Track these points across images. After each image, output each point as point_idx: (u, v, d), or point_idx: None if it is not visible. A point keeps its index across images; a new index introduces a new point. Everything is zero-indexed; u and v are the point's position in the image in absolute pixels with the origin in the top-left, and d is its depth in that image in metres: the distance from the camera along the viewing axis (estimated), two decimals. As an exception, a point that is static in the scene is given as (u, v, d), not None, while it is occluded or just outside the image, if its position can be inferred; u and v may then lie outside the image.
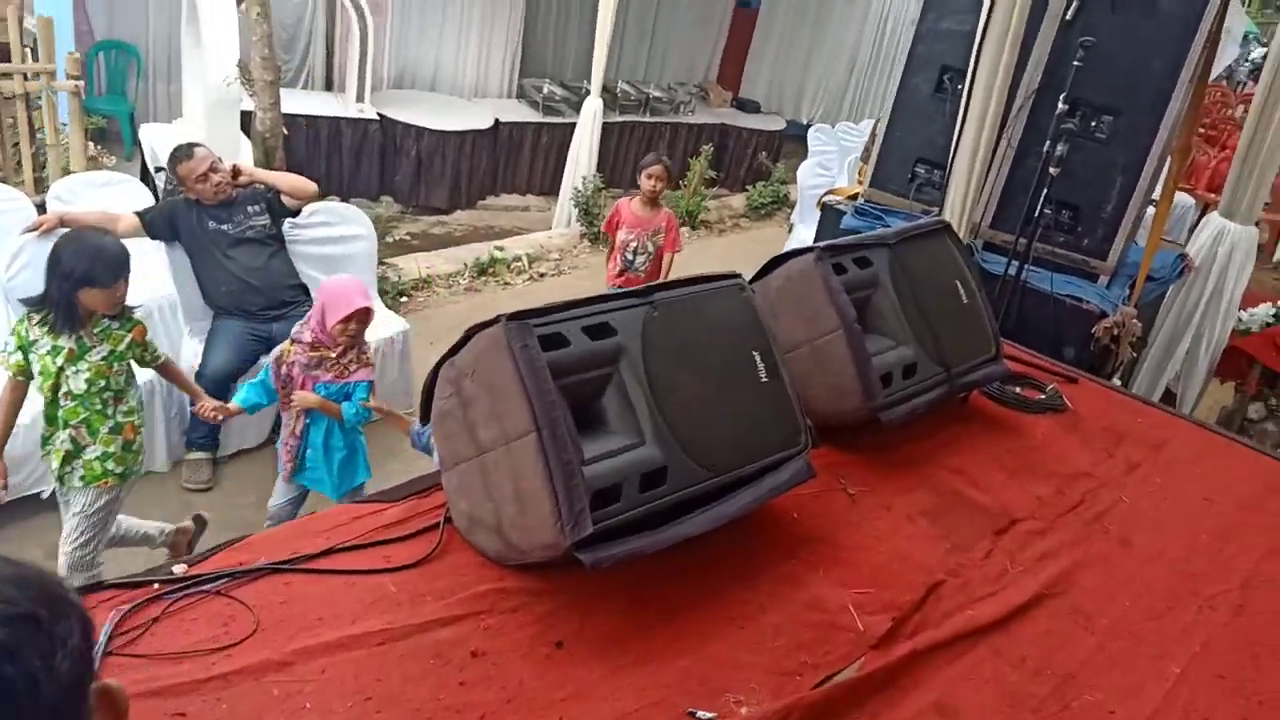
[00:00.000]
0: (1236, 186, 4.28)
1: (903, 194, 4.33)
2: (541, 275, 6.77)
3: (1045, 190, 3.33)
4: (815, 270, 2.81)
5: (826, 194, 4.70)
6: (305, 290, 4.29)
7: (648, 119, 10.70)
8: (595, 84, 8.15)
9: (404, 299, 6.11)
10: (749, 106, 12.17)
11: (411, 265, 6.55)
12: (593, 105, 8.21)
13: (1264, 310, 4.63)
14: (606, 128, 10.28)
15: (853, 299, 2.87)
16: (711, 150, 8.80)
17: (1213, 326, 4.46)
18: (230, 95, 6.49)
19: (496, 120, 9.59)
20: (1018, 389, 3.48)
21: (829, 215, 4.57)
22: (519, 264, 6.95)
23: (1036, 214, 3.41)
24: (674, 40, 12.06)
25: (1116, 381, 4.12)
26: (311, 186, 4.30)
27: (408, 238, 8.65)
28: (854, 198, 4.62)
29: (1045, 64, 3.87)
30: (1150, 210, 4.11)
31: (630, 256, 5.04)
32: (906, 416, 2.83)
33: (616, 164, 10.63)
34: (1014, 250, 3.57)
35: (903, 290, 3.00)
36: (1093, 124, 3.87)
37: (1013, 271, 4.02)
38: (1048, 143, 3.39)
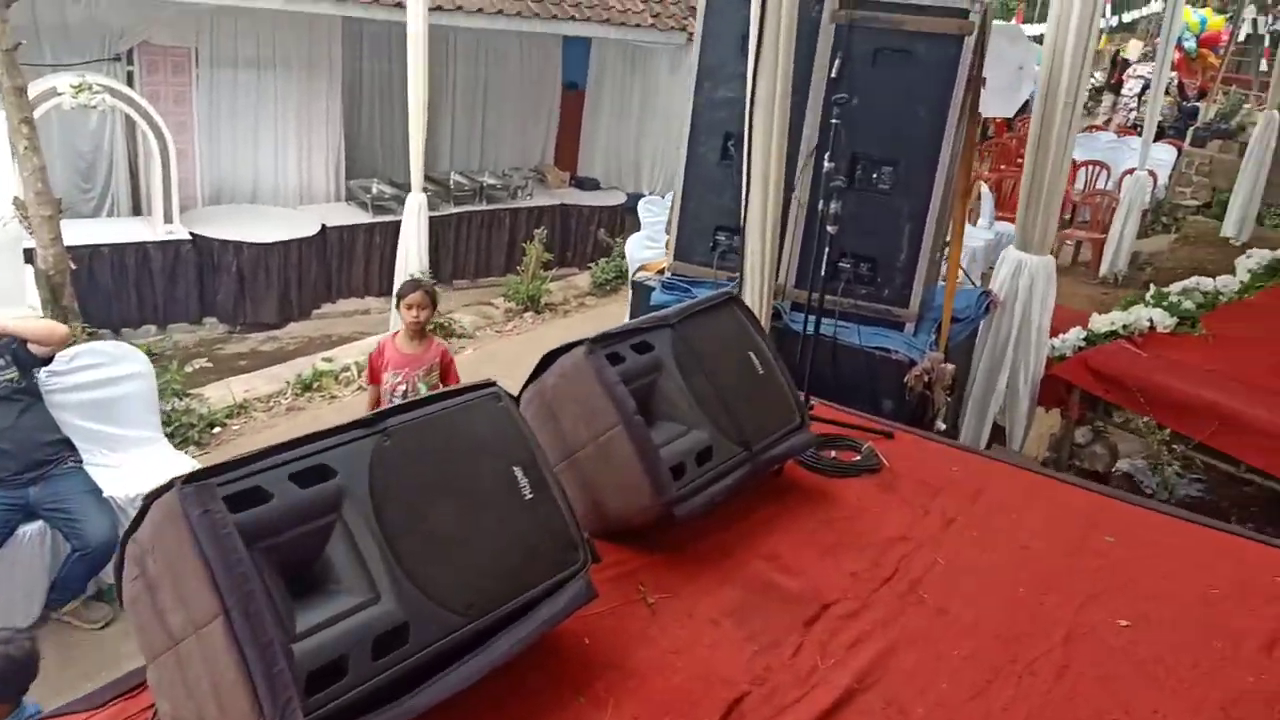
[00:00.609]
0: (1026, 220, 4.35)
1: (706, 263, 4.23)
2: (371, 383, 6.41)
3: (827, 249, 3.25)
4: (587, 364, 2.62)
5: (638, 270, 4.57)
6: (69, 445, 3.86)
7: (484, 207, 10.56)
8: (415, 178, 7.95)
9: (216, 430, 5.68)
10: (588, 184, 12.18)
11: (224, 392, 6.11)
12: (416, 200, 7.99)
13: (1074, 335, 4.70)
14: (441, 221, 10.14)
15: (634, 388, 2.69)
16: (545, 232, 8.68)
17: (1027, 358, 4.48)
18: (8, 235, 6.02)
19: (323, 225, 9.28)
20: (833, 453, 3.35)
21: (639, 293, 4.44)
22: (348, 374, 6.59)
23: (823, 272, 3.33)
24: (505, 127, 12.02)
25: (942, 425, 4.06)
26: (61, 330, 3.90)
27: (235, 359, 8.20)
28: (663, 272, 4.50)
29: (820, 122, 3.85)
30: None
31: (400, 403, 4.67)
32: (704, 507, 2.64)
33: (458, 257, 10.44)
34: (808, 308, 3.48)
35: (690, 371, 2.84)
36: (874, 176, 3.86)
37: (824, 330, 3.94)
38: (820, 202, 3.32)
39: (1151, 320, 4.78)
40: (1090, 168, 12.82)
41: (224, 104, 9.32)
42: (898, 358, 3.83)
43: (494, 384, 2.34)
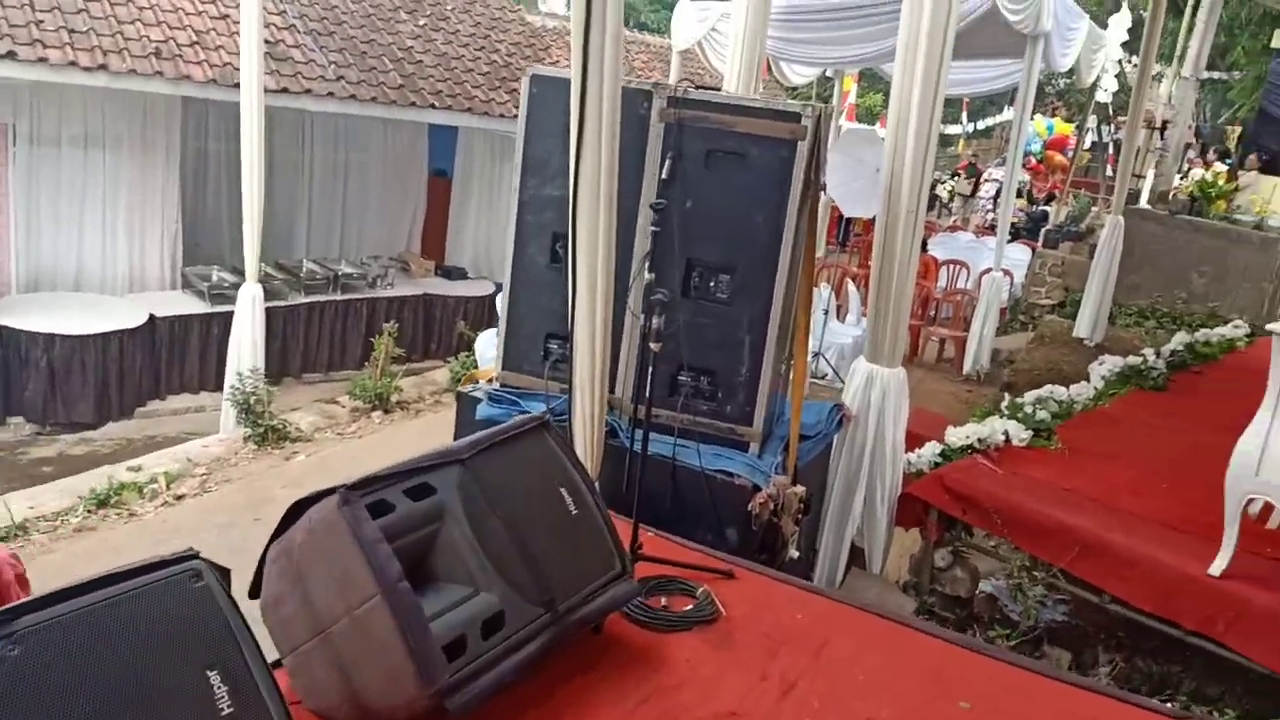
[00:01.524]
0: (875, 331, 4.12)
1: (537, 373, 3.83)
2: (180, 498, 5.72)
3: (650, 369, 2.90)
4: (339, 518, 2.14)
5: (464, 379, 4.12)
6: None
7: (338, 297, 9.99)
8: (250, 267, 7.38)
9: (-18, 557, 4.86)
10: (455, 274, 11.75)
11: (0, 510, 5.32)
12: (250, 291, 7.40)
13: (930, 451, 4.47)
14: (290, 311, 9.52)
15: (405, 543, 2.23)
16: (395, 325, 8.16)
17: (883, 475, 4.21)
18: None
19: (151, 316, 8.55)
20: (663, 600, 2.94)
21: (464, 405, 3.99)
22: (154, 486, 5.87)
23: (648, 392, 2.97)
24: (368, 214, 11.54)
25: (794, 553, 3.70)
26: None
27: (38, 465, 7.31)
28: (492, 380, 4.07)
29: (652, 224, 3.54)
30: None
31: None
32: (489, 692, 2.17)
33: (309, 350, 9.80)
34: (632, 424, 3.10)
35: (481, 517, 2.40)
36: (712, 284, 3.56)
37: (662, 450, 3.57)
38: (640, 316, 2.98)
39: (1007, 433, 4.60)
40: (951, 266, 13.15)
41: (45, 184, 8.59)
42: (740, 482, 3.48)
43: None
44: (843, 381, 9.82)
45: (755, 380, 3.56)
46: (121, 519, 5.47)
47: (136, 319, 8.36)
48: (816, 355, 9.79)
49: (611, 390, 3.75)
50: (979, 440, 4.50)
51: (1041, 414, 5.02)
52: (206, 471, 6.16)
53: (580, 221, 3.27)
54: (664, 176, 3.47)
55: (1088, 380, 6.07)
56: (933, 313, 11.70)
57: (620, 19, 3.14)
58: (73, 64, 7.36)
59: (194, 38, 8.31)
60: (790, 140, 3.35)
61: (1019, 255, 13.85)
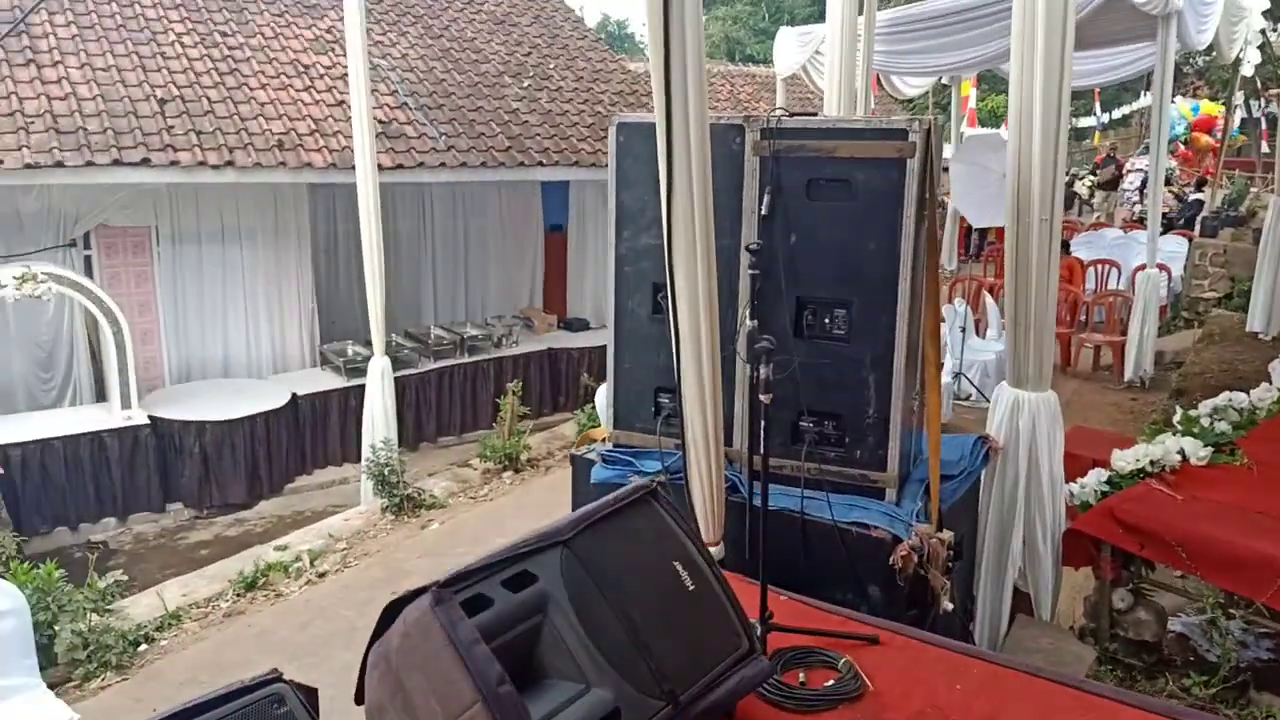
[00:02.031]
0: (1016, 353, 3.75)
1: (649, 429, 3.64)
2: (322, 575, 5.80)
3: (763, 422, 2.66)
4: (433, 620, 2.00)
5: (580, 440, 3.99)
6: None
7: (465, 360, 10.14)
8: (377, 341, 7.54)
9: (142, 648, 5.04)
10: (576, 325, 11.78)
11: (154, 600, 5.50)
12: (379, 365, 7.55)
13: (1094, 480, 4.02)
14: (421, 378, 9.71)
15: (506, 641, 2.07)
16: (519, 383, 8.17)
17: (1042, 511, 3.81)
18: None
19: (294, 395, 8.86)
20: (801, 675, 2.67)
21: (578, 469, 3.84)
22: (299, 565, 5.97)
23: (761, 448, 2.73)
24: (489, 275, 11.74)
25: (948, 605, 3.35)
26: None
27: (197, 549, 7.62)
28: (606, 441, 3.91)
29: (758, 262, 3.32)
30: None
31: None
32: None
33: (441, 414, 9.95)
34: (749, 473, 2.88)
35: (589, 604, 2.21)
36: (827, 321, 3.30)
37: (788, 503, 3.32)
38: (748, 367, 2.75)
39: (1183, 451, 4.10)
40: (1100, 266, 12.31)
41: (188, 280, 9.07)
42: (878, 534, 3.17)
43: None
44: (987, 400, 9.23)
45: (885, 420, 3.26)
46: (269, 600, 5.57)
47: (280, 399, 8.68)
48: (958, 375, 9.27)
49: (728, 443, 3.53)
50: (1151, 463, 4.02)
51: (1221, 426, 4.47)
52: (347, 546, 6.24)
53: (677, 269, 3.09)
54: (763, 213, 3.25)
55: (1269, 381, 5.42)
56: (1083, 318, 10.91)
57: (701, 52, 2.97)
58: (202, 164, 7.76)
59: (313, 126, 8.66)
60: (898, 159, 3.08)
61: (1174, 247, 12.86)
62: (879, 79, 13.97)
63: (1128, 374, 10.06)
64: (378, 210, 7.17)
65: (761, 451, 2.72)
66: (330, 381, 9.31)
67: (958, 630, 3.65)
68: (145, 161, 7.56)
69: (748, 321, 2.73)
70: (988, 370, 9.39)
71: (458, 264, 11.53)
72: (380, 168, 8.63)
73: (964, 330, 9.34)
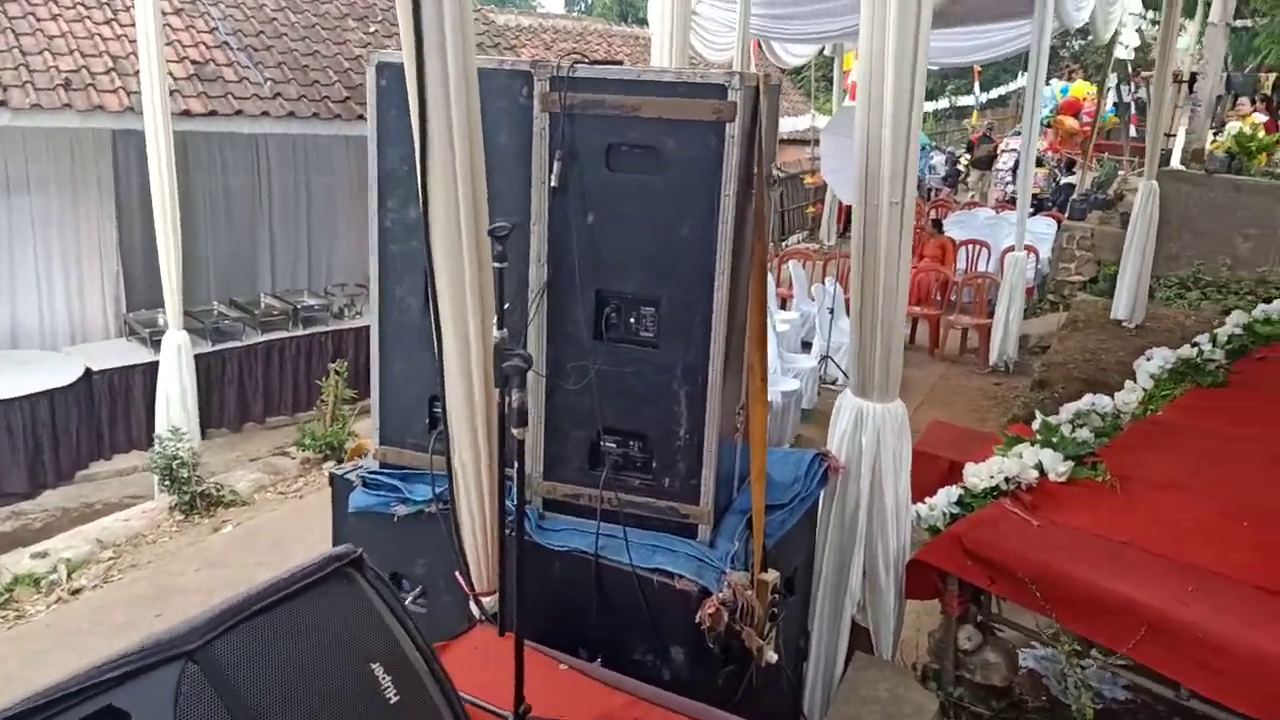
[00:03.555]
0: (861, 358, 3.23)
1: (422, 446, 2.97)
2: (76, 592, 4.93)
3: (516, 462, 2.03)
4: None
5: (350, 453, 3.28)
6: None
7: (300, 332, 9.20)
8: (171, 312, 6.63)
9: None
10: (432, 295, 10.91)
11: None
12: (174, 340, 6.63)
13: (944, 500, 3.55)
14: (247, 351, 8.75)
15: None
16: (346, 364, 7.32)
17: (885, 537, 3.32)
18: None
19: (88, 370, 7.79)
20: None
21: (339, 492, 3.14)
22: (54, 576, 5.08)
23: (517, 472, 2.11)
24: (336, 240, 10.74)
25: (773, 657, 2.81)
26: None
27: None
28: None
29: (548, 244, 2.68)
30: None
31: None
32: None
33: (269, 392, 9.00)
34: (519, 504, 2.25)
35: (230, 737, 1.55)
36: (632, 321, 2.68)
37: (585, 544, 2.72)
38: (498, 389, 2.12)
39: (1040, 465, 3.68)
40: (971, 247, 12.17)
41: (-36, 236, 7.86)
42: (683, 586, 2.60)
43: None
44: (856, 386, 8.93)
45: (698, 443, 2.68)
46: (7, 623, 4.69)
47: (69, 375, 7.61)
48: (825, 359, 8.90)
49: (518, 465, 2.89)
50: (1006, 480, 3.59)
51: (1082, 433, 4.09)
52: (114, 555, 5.37)
53: (437, 255, 2.42)
54: (553, 184, 2.60)
55: (1132, 378, 5.12)
56: (953, 298, 10.72)
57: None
58: (-36, 102, 6.62)
59: (110, 64, 7.55)
60: (716, 123, 2.47)
61: (1043, 229, 12.84)
62: (759, 44, 13.47)
63: (993, 358, 9.90)
64: (170, 164, 6.23)
65: (516, 487, 2.09)
66: (135, 355, 8.25)
67: (784, 680, 3.14)
68: (-109, 95, 6.38)
69: (494, 331, 2.09)
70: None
71: (300, 227, 10.50)
72: (189, 113, 7.67)
73: (832, 311, 8.96)
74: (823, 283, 10.08)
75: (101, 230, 8.54)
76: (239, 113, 7.88)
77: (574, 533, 2.77)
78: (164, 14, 8.52)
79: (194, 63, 8.04)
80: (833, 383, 9.02)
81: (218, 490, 6.21)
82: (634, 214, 2.59)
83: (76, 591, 4.93)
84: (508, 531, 2.72)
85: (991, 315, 10.13)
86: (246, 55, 8.53)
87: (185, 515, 5.97)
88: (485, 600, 2.67)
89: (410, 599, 3.02)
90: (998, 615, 3.49)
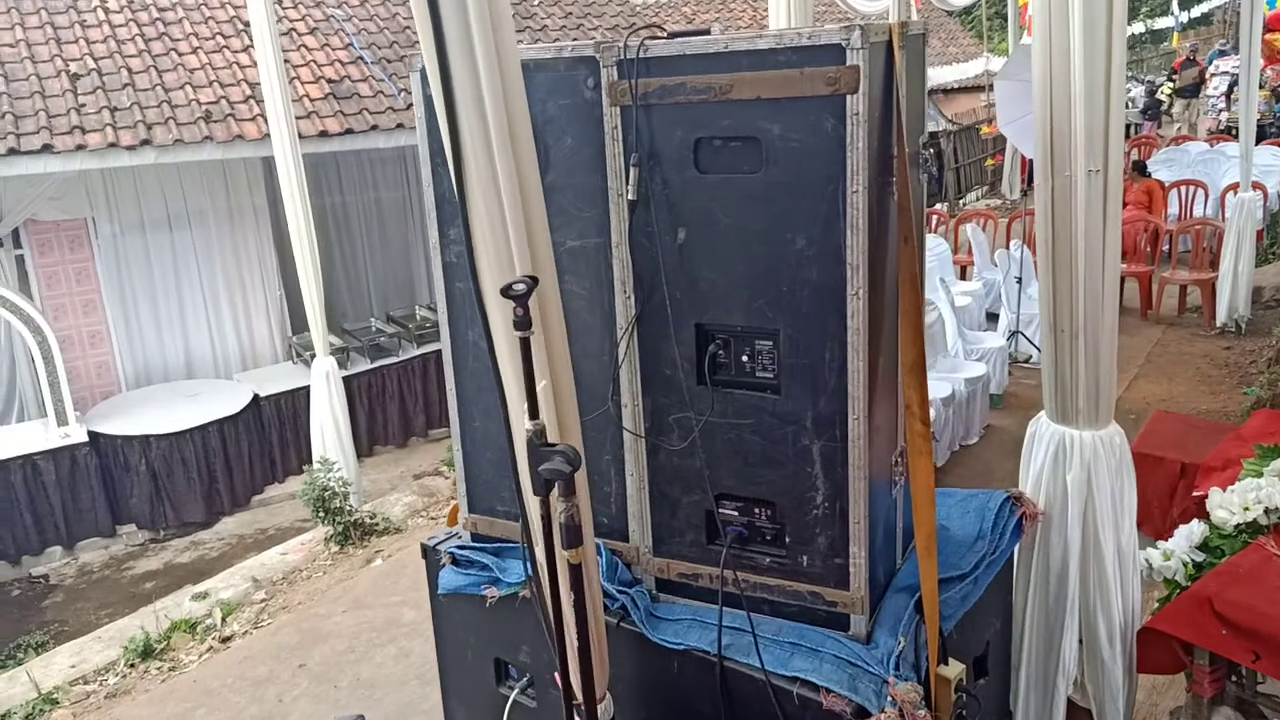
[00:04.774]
0: (1059, 379, 2.49)
1: (515, 516, 2.49)
2: (227, 640, 4.84)
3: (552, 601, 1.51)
4: None
5: (450, 515, 2.89)
6: None
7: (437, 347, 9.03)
8: (317, 337, 6.53)
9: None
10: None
11: (42, 673, 4.63)
12: (321, 367, 6.54)
13: (1183, 541, 2.75)
14: (404, 366, 8.72)
15: None
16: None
17: (1105, 597, 2.59)
18: None
19: (255, 396, 7.91)
20: None
21: (431, 566, 2.73)
22: (210, 621, 5.04)
23: (572, 596, 1.58)
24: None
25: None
26: None
27: (144, 580, 6.78)
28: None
29: (632, 270, 2.13)
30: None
31: None
32: None
33: (430, 404, 8.93)
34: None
35: None
36: (745, 360, 2.10)
37: (704, 641, 2.18)
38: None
39: (1314, 489, 2.81)
40: (1183, 189, 10.66)
41: (135, 274, 8.15)
42: (833, 703, 2.00)
43: None
44: (1036, 347, 7.85)
45: (841, 511, 2.07)
46: (161, 674, 4.65)
47: (237, 404, 7.75)
48: (1014, 334, 7.90)
49: (621, 536, 2.38)
50: (1267, 511, 2.75)
51: (1365, 436, 3.16)
52: (267, 596, 5.28)
53: (487, 295, 1.92)
54: (630, 197, 2.05)
55: None
56: (1165, 249, 9.37)
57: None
58: (114, 145, 6.75)
59: (248, 92, 7.58)
60: (833, 98, 1.84)
61: (1268, 161, 11.13)
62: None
63: (1220, 317, 8.57)
64: (302, 186, 6.10)
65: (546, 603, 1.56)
66: (301, 377, 8.32)
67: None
68: (47, 148, 6.57)
69: (526, 424, 1.57)
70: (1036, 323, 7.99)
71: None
72: (326, 133, 7.60)
73: (1020, 279, 7.94)
74: (1007, 247, 9.02)
75: (262, 257, 8.69)
76: (374, 128, 7.75)
77: (694, 625, 2.22)
78: (298, 34, 8.59)
79: (330, 81, 7.98)
80: (1025, 361, 8.01)
81: (371, 519, 6.08)
82: (735, 226, 2.00)
83: (227, 639, 4.85)
84: (614, 622, 2.22)
85: (1215, 267, 8.77)
86: (381, 68, 8.41)
87: (340, 546, 5.85)
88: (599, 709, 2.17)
89: (516, 690, 2.58)
90: (1266, 695, 2.68)
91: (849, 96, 1.81)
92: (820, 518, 2.10)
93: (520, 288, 1.52)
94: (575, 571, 1.56)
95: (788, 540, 2.15)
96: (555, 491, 1.46)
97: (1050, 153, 2.34)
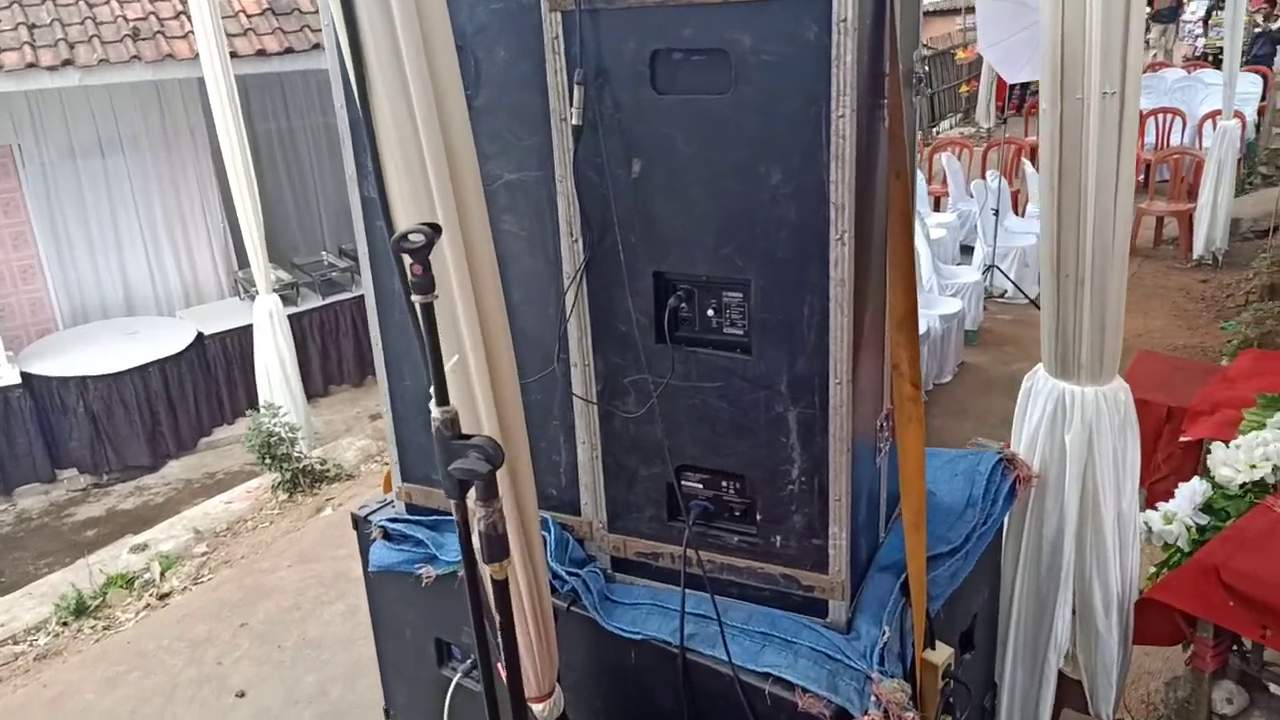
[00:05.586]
0: (1060, 330, 2.24)
1: (457, 486, 2.22)
2: (164, 597, 4.57)
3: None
4: None
5: (385, 481, 2.60)
6: None
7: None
8: (259, 274, 6.16)
9: (-87, 719, 3.89)
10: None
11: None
12: (265, 304, 6.17)
13: (1185, 501, 2.54)
14: (358, 301, 8.32)
15: None
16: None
17: (1103, 567, 2.38)
18: None
19: (199, 335, 7.52)
20: None
21: (363, 537, 2.46)
22: (148, 576, 4.76)
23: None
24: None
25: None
26: None
27: (84, 528, 6.47)
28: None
29: (579, 210, 1.83)
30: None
31: None
32: None
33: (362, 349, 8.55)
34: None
35: None
36: (710, 314, 1.81)
37: (663, 630, 1.94)
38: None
39: (1323, 444, 2.60)
40: (1160, 117, 10.38)
41: (67, 204, 7.66)
42: (808, 705, 1.77)
43: None
44: (1027, 297, 7.66)
45: (820, 486, 1.81)
46: (95, 634, 4.38)
47: (179, 343, 7.36)
48: (989, 269, 7.67)
49: (574, 510, 2.12)
50: (1275, 468, 2.54)
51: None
52: (208, 549, 5.00)
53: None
54: (575, 121, 1.73)
55: None
56: (1142, 178, 9.14)
57: None
58: (33, 65, 6.22)
59: (179, 7, 7.02)
60: (814, 3, 1.52)
61: (1246, 88, 10.84)
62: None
63: (1197, 249, 8.41)
64: (235, 111, 5.67)
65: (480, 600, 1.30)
66: (249, 314, 7.92)
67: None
68: (-43, 67, 6.05)
69: (434, 411, 1.26)
70: (1026, 258, 7.77)
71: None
72: (264, 53, 7.09)
73: (997, 211, 7.67)
74: (983, 177, 8.73)
75: (203, 186, 8.22)
76: (317, 46, 7.23)
77: (654, 611, 1.98)
78: (234, -54, 7.98)
79: (268, -4, 7.43)
80: (1001, 295, 7.81)
81: (321, 465, 5.79)
82: (699, 157, 1.69)
83: (165, 596, 4.57)
84: (564, 606, 1.97)
85: (1193, 198, 8.57)
86: (324, -19, 7.85)
87: (289, 494, 5.57)
88: (539, 710, 1.93)
89: (460, 673, 2.34)
90: (1273, 666, 2.50)
91: (835, 2, 1.49)
92: (796, 493, 1.84)
93: (416, 238, 1.21)
94: (501, 588, 1.30)
95: (759, 518, 1.90)
96: (472, 494, 1.19)
97: (1060, 73, 2.04)
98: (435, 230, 1.23)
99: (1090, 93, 2.01)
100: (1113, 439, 2.29)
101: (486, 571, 1.35)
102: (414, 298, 1.25)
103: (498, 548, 1.21)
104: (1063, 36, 2.02)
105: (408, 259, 1.22)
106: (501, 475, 1.61)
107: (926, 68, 14.27)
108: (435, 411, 1.27)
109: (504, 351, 1.55)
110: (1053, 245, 2.18)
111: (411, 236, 1.20)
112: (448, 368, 1.30)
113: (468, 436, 1.24)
